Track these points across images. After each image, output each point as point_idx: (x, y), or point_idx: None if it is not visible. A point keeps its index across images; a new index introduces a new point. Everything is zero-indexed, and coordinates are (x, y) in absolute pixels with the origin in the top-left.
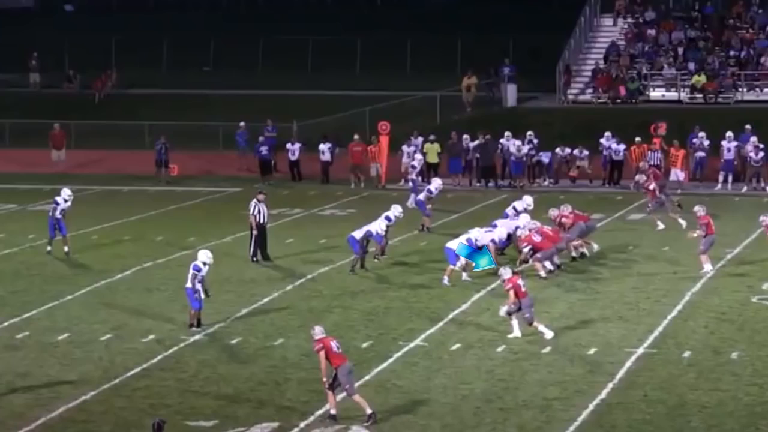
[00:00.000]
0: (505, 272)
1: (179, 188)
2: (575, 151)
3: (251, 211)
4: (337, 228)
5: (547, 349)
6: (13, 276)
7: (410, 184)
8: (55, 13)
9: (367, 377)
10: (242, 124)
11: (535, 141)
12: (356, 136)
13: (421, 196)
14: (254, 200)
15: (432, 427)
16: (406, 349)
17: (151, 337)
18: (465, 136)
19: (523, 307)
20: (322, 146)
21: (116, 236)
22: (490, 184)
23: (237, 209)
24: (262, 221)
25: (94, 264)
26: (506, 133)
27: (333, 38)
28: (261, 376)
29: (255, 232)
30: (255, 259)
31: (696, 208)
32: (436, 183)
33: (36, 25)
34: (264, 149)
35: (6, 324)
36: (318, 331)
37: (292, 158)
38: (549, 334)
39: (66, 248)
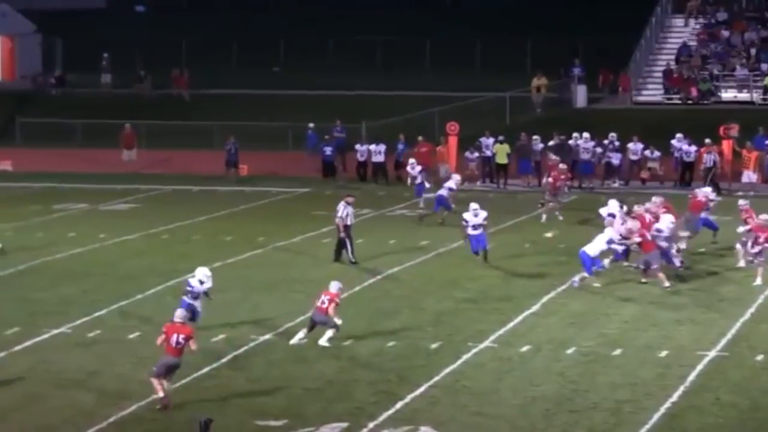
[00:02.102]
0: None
1: (248, 188)
2: (647, 152)
3: (339, 214)
4: (406, 229)
5: (618, 351)
6: (83, 275)
7: (417, 182)
8: (126, 14)
9: (436, 378)
10: (311, 124)
11: (617, 143)
12: (420, 138)
13: (444, 192)
14: (343, 203)
15: (501, 428)
16: (475, 350)
17: (220, 336)
18: (535, 137)
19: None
20: (374, 147)
21: (186, 236)
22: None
23: (306, 209)
24: (348, 223)
25: (164, 263)
26: (575, 134)
27: (402, 39)
28: (330, 376)
29: (342, 235)
30: (353, 261)
31: (740, 202)
32: (455, 179)
33: (107, 25)
34: (328, 150)
35: (77, 323)
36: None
37: (361, 159)
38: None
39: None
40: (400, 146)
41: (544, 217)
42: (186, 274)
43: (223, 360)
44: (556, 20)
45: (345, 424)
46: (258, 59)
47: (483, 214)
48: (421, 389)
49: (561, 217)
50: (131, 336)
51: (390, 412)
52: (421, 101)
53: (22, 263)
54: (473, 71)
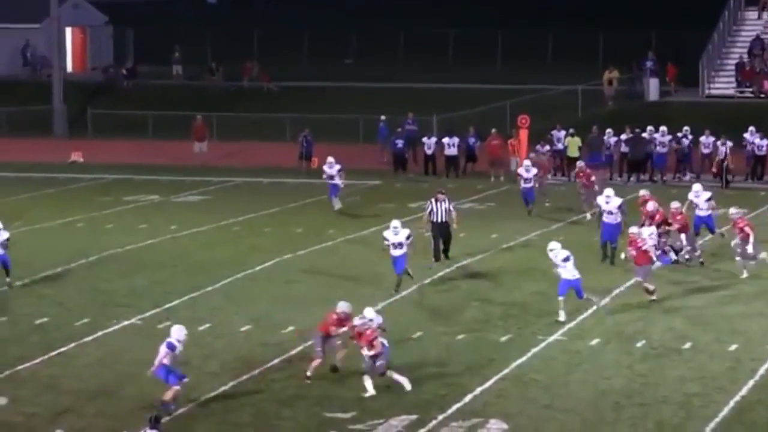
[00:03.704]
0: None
1: (319, 180)
2: (718, 142)
3: (427, 210)
4: (476, 222)
5: (688, 345)
6: (155, 266)
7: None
8: (198, 5)
9: (505, 371)
10: (383, 117)
11: (690, 137)
12: (494, 130)
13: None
14: (432, 199)
15: (571, 422)
16: (544, 343)
17: (290, 328)
18: (608, 131)
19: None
20: (447, 140)
21: (257, 228)
22: (632, 179)
23: (376, 202)
24: (439, 220)
25: (235, 255)
26: (649, 128)
27: (474, 31)
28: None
29: (428, 233)
30: (436, 258)
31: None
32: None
33: (179, 17)
34: (399, 142)
35: (148, 314)
36: None
37: (428, 152)
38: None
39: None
40: (471, 139)
41: (588, 215)
42: (256, 266)
43: (293, 352)
44: (629, 13)
45: (414, 417)
46: (330, 51)
47: (405, 232)
48: (491, 382)
49: (589, 216)
50: (201, 328)
51: (459, 404)
52: (493, 94)
53: (93, 254)
54: (545, 64)
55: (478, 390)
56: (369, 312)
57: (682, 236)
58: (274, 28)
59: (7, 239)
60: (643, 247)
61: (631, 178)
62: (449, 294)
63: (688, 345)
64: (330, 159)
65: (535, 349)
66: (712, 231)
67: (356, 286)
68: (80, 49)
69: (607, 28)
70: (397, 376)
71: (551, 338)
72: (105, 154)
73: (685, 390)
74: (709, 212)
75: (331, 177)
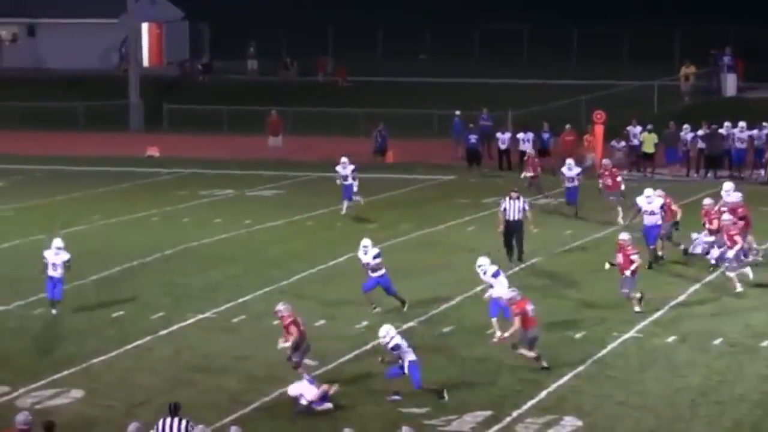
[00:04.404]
0: None
1: (394, 175)
2: None
3: (501, 207)
4: (550, 218)
5: (765, 343)
6: (229, 261)
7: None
8: (274, 1)
9: (580, 368)
10: (457, 112)
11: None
12: (568, 126)
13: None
14: (507, 197)
15: (646, 419)
16: (620, 340)
17: (364, 323)
18: (685, 126)
19: None
20: (522, 135)
21: (330, 222)
22: (709, 174)
23: (450, 197)
24: (513, 218)
25: (308, 250)
26: (726, 123)
27: (549, 27)
28: (473, 364)
29: (500, 229)
30: (509, 258)
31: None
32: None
33: (254, 12)
34: (473, 138)
35: (223, 308)
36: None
37: (503, 147)
38: None
39: None
40: (545, 135)
41: (620, 219)
42: (330, 260)
43: (366, 347)
44: (706, 8)
45: (488, 413)
46: (404, 46)
47: (374, 251)
48: (565, 378)
49: (621, 220)
50: (276, 322)
51: (534, 401)
52: (568, 89)
53: (169, 248)
54: (621, 59)
55: (553, 386)
56: (385, 329)
57: (749, 237)
58: (349, 24)
59: (68, 261)
60: (631, 256)
61: (708, 174)
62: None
63: (765, 343)
64: (344, 159)
65: (610, 346)
66: None
67: (430, 280)
68: (157, 44)
69: (683, 23)
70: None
71: (627, 335)
72: (180, 148)
73: (762, 388)
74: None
75: (345, 178)
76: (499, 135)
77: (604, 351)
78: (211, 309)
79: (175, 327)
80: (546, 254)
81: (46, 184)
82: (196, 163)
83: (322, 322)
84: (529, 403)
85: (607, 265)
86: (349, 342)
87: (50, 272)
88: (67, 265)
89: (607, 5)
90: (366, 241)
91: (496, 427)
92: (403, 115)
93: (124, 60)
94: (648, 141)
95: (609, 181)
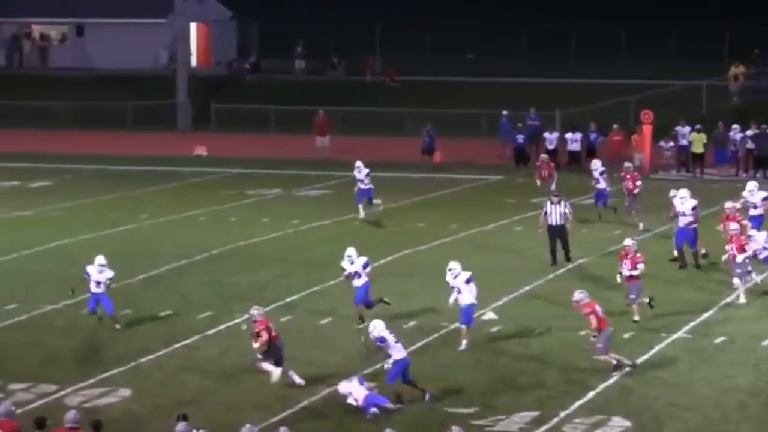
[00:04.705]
0: None
1: (442, 175)
2: None
3: (542, 211)
4: (597, 218)
5: None
6: (276, 260)
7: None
8: (321, 1)
9: (628, 368)
10: (505, 112)
11: None
12: (615, 126)
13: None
14: (548, 201)
15: (694, 420)
16: (668, 340)
17: (411, 323)
18: (734, 126)
19: None
20: (570, 135)
21: (378, 222)
22: (759, 174)
23: (498, 197)
24: (555, 222)
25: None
26: None
27: (597, 26)
28: (521, 365)
29: (541, 230)
30: (553, 261)
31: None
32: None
33: (301, 11)
34: (520, 137)
35: (270, 308)
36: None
37: (550, 147)
38: None
39: None
40: (592, 135)
41: (641, 225)
42: (378, 261)
43: (414, 347)
44: (755, 7)
45: (536, 413)
46: (451, 46)
47: (361, 260)
48: (613, 379)
49: (641, 227)
50: (323, 322)
51: (581, 401)
52: (616, 89)
53: (216, 248)
54: (669, 59)
55: (601, 387)
56: (374, 324)
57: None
58: (397, 23)
59: (111, 278)
60: (637, 263)
61: (757, 174)
62: (570, 291)
63: None
64: (358, 163)
65: (658, 347)
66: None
67: (477, 280)
68: (205, 43)
69: (733, 22)
70: (266, 366)
71: (675, 336)
72: (228, 148)
73: None
74: (761, 211)
75: (361, 181)
76: (546, 135)
77: (652, 351)
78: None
79: (222, 326)
80: (594, 253)
81: (94, 183)
82: (243, 163)
83: (368, 321)
84: (577, 404)
85: (618, 278)
86: None
87: (93, 289)
88: (108, 283)
89: (656, 4)
90: (350, 251)
91: (544, 428)
92: (450, 115)
93: (173, 60)
94: (697, 141)
95: (630, 185)
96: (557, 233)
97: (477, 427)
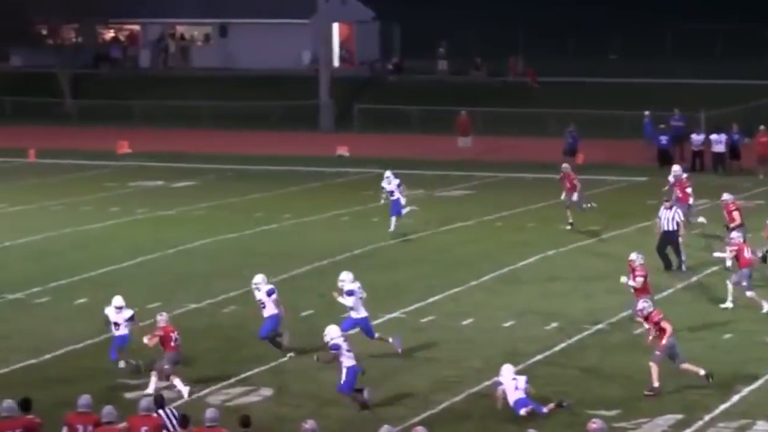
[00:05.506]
0: None
1: (584, 176)
2: None
3: (657, 216)
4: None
5: None
6: (417, 261)
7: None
8: (463, 1)
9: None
10: (647, 113)
11: None
12: (762, 127)
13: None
14: (662, 207)
15: None
16: None
17: (553, 325)
18: None
19: None
20: (715, 137)
21: (519, 223)
22: None
23: (641, 199)
24: (667, 228)
25: (498, 251)
26: None
27: (742, 27)
28: (665, 369)
29: (657, 233)
30: (667, 267)
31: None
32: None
33: (444, 12)
34: (664, 139)
35: (411, 308)
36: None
37: (695, 149)
38: None
39: None
40: (735, 136)
41: (701, 218)
42: (519, 262)
43: (556, 349)
44: None
45: (680, 416)
46: (594, 47)
47: (266, 287)
48: (759, 383)
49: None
50: (464, 322)
51: (726, 405)
52: (763, 90)
53: (358, 248)
54: None
55: (746, 391)
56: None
57: None
58: (539, 24)
59: (132, 317)
60: (637, 276)
61: None
62: (711, 294)
63: None
64: (387, 173)
65: None
66: None
67: (619, 282)
68: (348, 44)
69: None
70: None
71: None
72: (370, 148)
73: None
74: None
75: (392, 193)
76: (693, 136)
77: None
78: (399, 309)
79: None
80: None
81: (236, 183)
82: (385, 163)
83: (511, 323)
84: (721, 408)
85: (623, 279)
86: (538, 343)
87: (114, 332)
88: (130, 321)
89: None
90: (258, 278)
91: (688, 431)
92: (593, 115)
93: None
94: None
95: (679, 193)
96: (669, 239)
97: (620, 429)
